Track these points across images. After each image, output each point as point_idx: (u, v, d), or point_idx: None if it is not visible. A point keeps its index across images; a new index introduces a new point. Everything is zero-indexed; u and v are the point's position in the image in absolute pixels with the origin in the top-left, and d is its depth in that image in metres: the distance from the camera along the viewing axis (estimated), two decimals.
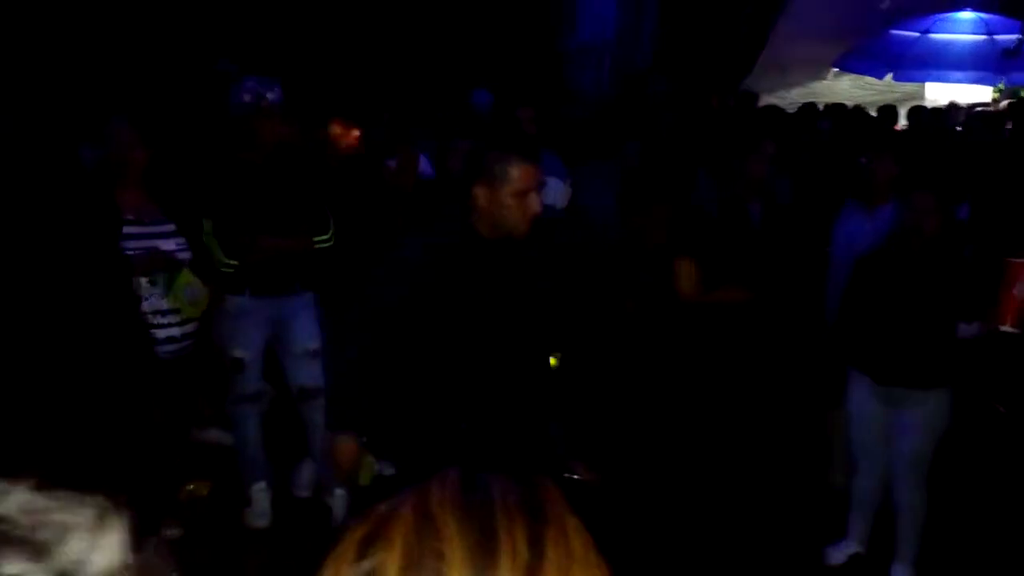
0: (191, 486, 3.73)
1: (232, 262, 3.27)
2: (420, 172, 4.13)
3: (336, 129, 3.66)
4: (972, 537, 3.55)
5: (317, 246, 3.41)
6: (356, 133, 3.71)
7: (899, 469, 3.32)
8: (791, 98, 10.17)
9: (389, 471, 3.96)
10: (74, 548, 0.56)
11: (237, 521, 3.55)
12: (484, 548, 0.61)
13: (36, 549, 0.55)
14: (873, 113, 7.82)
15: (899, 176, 3.52)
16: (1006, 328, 2.87)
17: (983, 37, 9.26)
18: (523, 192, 2.26)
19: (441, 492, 0.65)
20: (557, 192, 4.07)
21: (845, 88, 11.05)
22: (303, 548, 3.47)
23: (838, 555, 3.54)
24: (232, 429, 3.66)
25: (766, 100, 9.53)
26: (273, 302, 3.42)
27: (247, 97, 3.25)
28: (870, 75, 10.12)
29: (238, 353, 3.41)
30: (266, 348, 3.50)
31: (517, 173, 2.25)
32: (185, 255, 3.24)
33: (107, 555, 0.58)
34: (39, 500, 0.57)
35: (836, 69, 10.63)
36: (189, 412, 3.92)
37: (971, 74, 9.39)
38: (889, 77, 9.67)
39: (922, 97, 10.34)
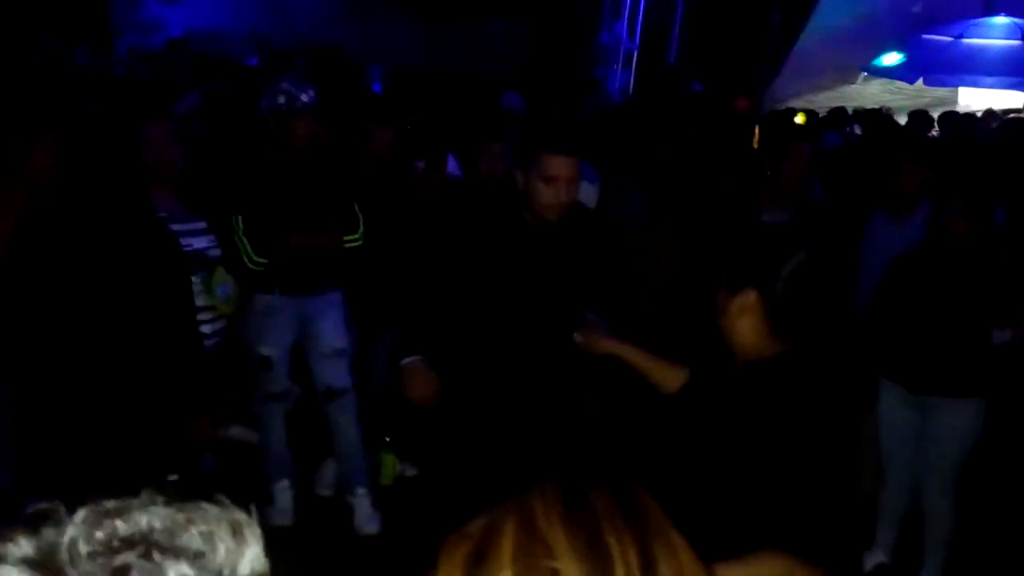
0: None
1: (262, 260, 3.28)
2: (448, 173, 4.13)
3: (371, 130, 3.66)
4: (1001, 548, 3.48)
5: (347, 245, 3.41)
6: (390, 134, 3.71)
7: (929, 478, 3.27)
8: (819, 102, 10.08)
9: (411, 472, 3.99)
10: (223, 555, 0.57)
11: (260, 519, 3.55)
12: (597, 564, 0.60)
13: (192, 555, 0.56)
14: (903, 118, 7.75)
15: (930, 182, 3.46)
16: None
17: (1017, 42, 9.14)
18: (553, 178, 2.39)
19: (544, 506, 0.64)
20: (587, 194, 4.05)
21: (875, 92, 10.94)
22: (325, 547, 3.48)
23: (865, 564, 3.49)
24: (257, 427, 3.68)
25: (794, 104, 9.46)
26: (301, 301, 3.43)
27: (281, 99, 3.25)
28: (901, 79, 10.01)
29: (266, 351, 3.42)
30: (293, 347, 3.50)
31: (549, 160, 2.38)
32: (216, 252, 3.26)
33: (250, 563, 0.59)
34: (177, 513, 0.58)
35: (866, 73, 10.53)
36: (217, 410, 3.95)
37: (1004, 79, 9.27)
38: (920, 82, 9.56)
39: (954, 102, 10.22)
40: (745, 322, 1.62)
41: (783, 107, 8.55)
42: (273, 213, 3.28)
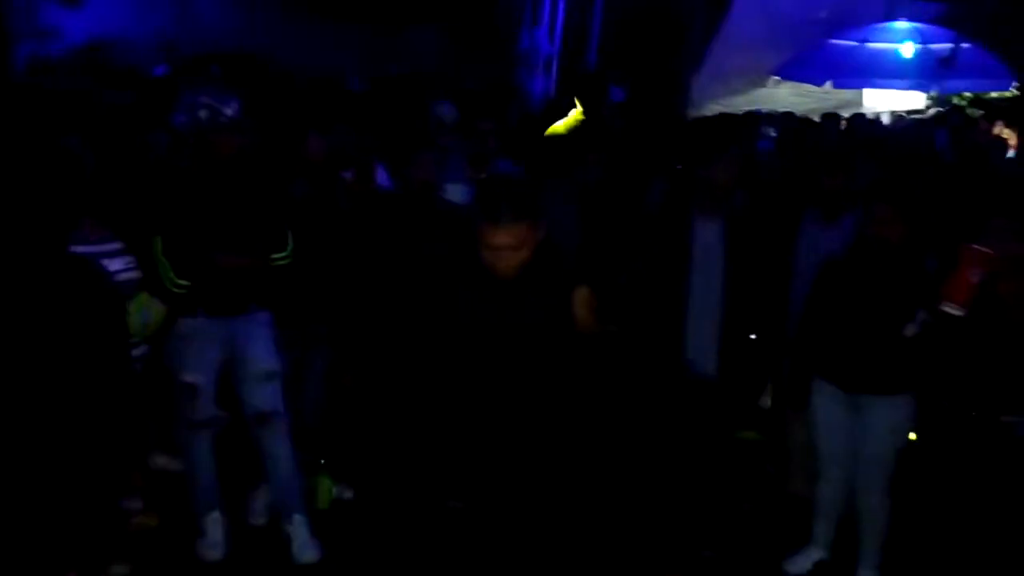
0: (138, 518, 3.56)
1: (184, 282, 3.11)
2: (377, 184, 4.02)
3: (309, 139, 3.52)
4: (936, 542, 3.58)
5: (276, 263, 3.27)
6: (324, 144, 3.58)
7: (864, 475, 3.34)
8: (735, 106, 10.31)
9: (348, 494, 3.86)
10: None
11: (190, 553, 3.38)
12: None
13: None
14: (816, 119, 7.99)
15: (857, 187, 3.54)
16: (950, 308, 2.89)
17: (917, 46, 9.55)
18: (492, 247, 2.46)
19: None
20: (455, 195, 4.01)
21: (785, 95, 11.23)
22: None
23: (803, 562, 3.54)
24: (183, 456, 3.49)
25: (711, 108, 9.66)
26: (227, 323, 3.28)
27: (203, 113, 3.09)
28: (810, 83, 10.34)
29: (190, 377, 3.26)
30: (220, 371, 3.34)
31: (483, 231, 2.45)
32: (131, 275, 3.09)
33: None
34: None
35: (777, 77, 10.83)
36: (138, 440, 3.74)
37: (906, 81, 9.68)
38: (829, 84, 9.90)
39: (860, 104, 10.59)
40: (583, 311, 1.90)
41: (702, 113, 8.72)
42: (194, 232, 3.12)
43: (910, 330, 2.95)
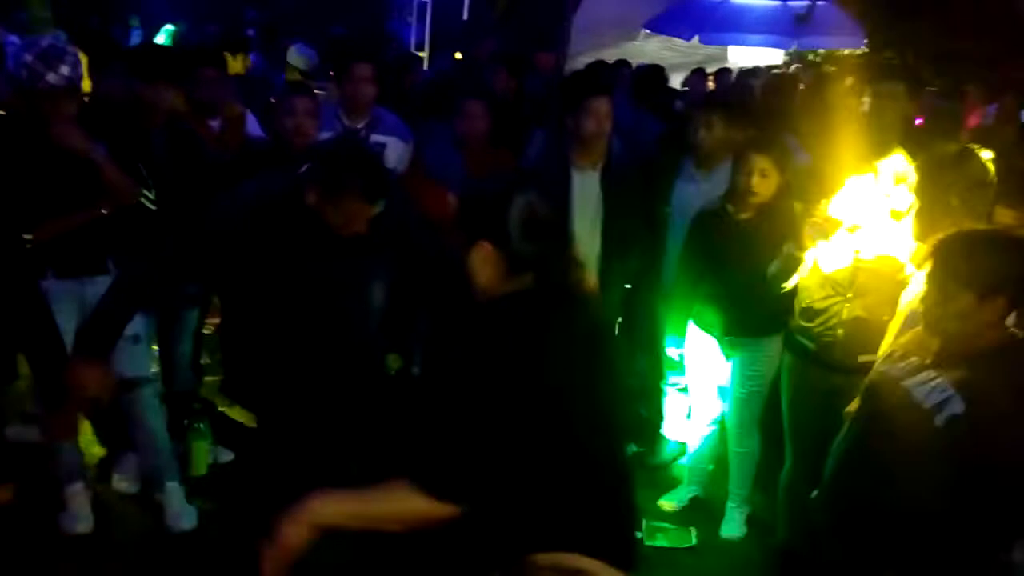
0: None
1: (24, 237, 2.85)
2: (247, 134, 3.81)
3: (159, 89, 3.26)
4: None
5: (144, 203, 3.02)
6: (172, 94, 3.33)
7: (734, 414, 3.49)
8: (604, 57, 10.41)
9: (226, 457, 3.72)
10: None
11: (52, 528, 3.17)
12: None
13: None
14: (681, 73, 8.18)
15: (731, 139, 3.64)
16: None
17: (777, 3, 9.88)
18: (341, 215, 2.31)
19: None
20: (399, 153, 3.91)
21: (654, 49, 11.44)
22: (134, 550, 3.16)
23: (678, 499, 3.71)
24: (39, 426, 3.26)
25: (582, 61, 9.72)
26: (82, 284, 3.04)
27: (24, 73, 2.79)
28: (678, 37, 10.55)
29: None
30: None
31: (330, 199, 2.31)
32: None
33: None
34: None
35: (647, 31, 11.00)
36: None
37: (767, 38, 10.03)
38: (696, 39, 10.13)
39: (724, 59, 10.93)
40: (487, 271, 1.75)
41: (572, 66, 8.73)
42: (33, 182, 2.85)
43: (774, 267, 3.06)
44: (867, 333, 2.80)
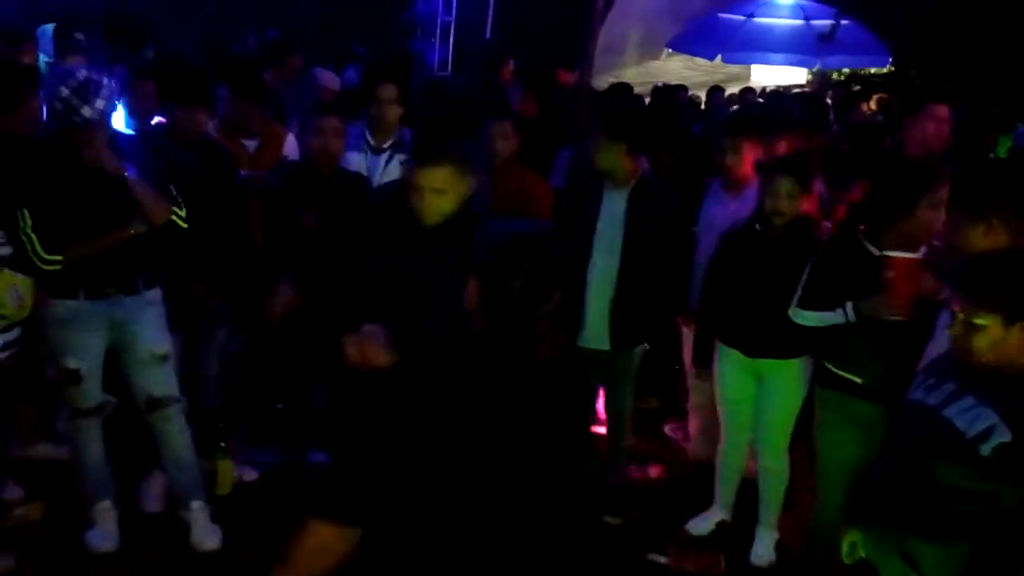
0: (20, 509, 3.34)
1: (55, 258, 2.88)
2: (284, 156, 3.83)
3: (184, 113, 3.29)
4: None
5: (174, 219, 3.04)
6: (203, 115, 3.37)
7: (763, 437, 3.45)
8: (627, 78, 10.45)
9: (251, 476, 3.72)
10: None
11: (79, 546, 3.18)
12: None
13: None
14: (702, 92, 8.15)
15: (759, 159, 3.62)
16: (897, 317, 2.89)
17: (800, 22, 9.88)
18: (414, 188, 2.52)
19: None
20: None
21: (677, 68, 11.50)
22: (160, 570, 3.17)
23: (705, 524, 3.66)
24: (69, 444, 3.27)
25: (604, 79, 9.74)
26: (111, 305, 3.05)
27: (59, 107, 2.81)
28: (701, 56, 10.57)
29: (73, 364, 3.03)
30: (107, 355, 3.12)
31: (409, 170, 2.55)
32: (4, 250, 2.84)
33: None
34: None
35: (669, 50, 11.03)
36: (13, 427, 3.49)
37: (791, 57, 10.02)
38: (719, 58, 10.14)
39: (748, 78, 10.94)
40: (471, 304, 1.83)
41: (597, 85, 8.75)
42: (66, 204, 2.88)
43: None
44: None
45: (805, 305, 3.06)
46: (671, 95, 6.05)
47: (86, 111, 2.81)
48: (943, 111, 4.11)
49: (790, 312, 3.10)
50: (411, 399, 1.70)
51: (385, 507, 1.67)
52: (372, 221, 2.71)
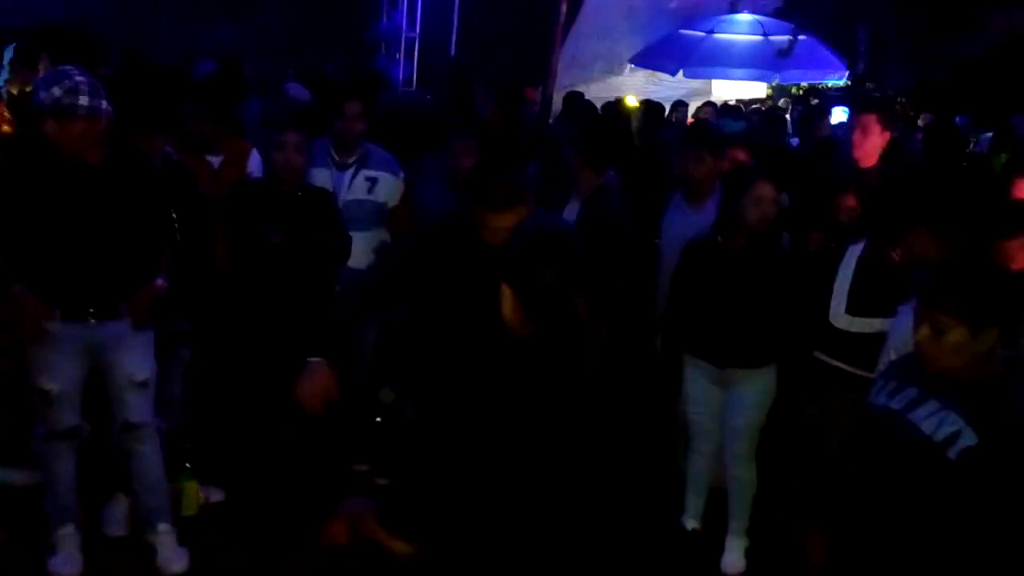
0: None
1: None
2: (249, 172, 3.80)
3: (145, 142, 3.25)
4: (801, 507, 3.78)
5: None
6: (162, 141, 3.33)
7: (731, 445, 3.48)
8: (590, 92, 10.55)
9: (217, 497, 3.67)
10: None
11: (42, 571, 3.12)
12: None
13: None
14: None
15: (723, 172, 3.68)
16: None
17: (760, 38, 10.07)
18: (486, 228, 2.52)
19: None
20: (390, 188, 3.92)
21: (639, 82, 11.59)
22: None
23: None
24: (41, 467, 3.19)
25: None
26: (90, 328, 2.98)
27: (43, 96, 2.80)
28: (663, 71, 10.70)
29: (48, 385, 2.97)
30: (86, 377, 3.06)
31: (479, 212, 2.51)
32: None
33: None
34: None
35: (632, 65, 11.15)
36: None
37: (751, 72, 10.20)
38: (681, 74, 10.28)
39: (709, 93, 11.07)
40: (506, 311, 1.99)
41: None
42: (32, 228, 2.83)
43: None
44: None
45: (855, 312, 3.08)
46: (626, 110, 6.19)
47: (83, 100, 2.79)
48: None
49: (832, 319, 3.10)
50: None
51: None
52: (434, 250, 2.64)
